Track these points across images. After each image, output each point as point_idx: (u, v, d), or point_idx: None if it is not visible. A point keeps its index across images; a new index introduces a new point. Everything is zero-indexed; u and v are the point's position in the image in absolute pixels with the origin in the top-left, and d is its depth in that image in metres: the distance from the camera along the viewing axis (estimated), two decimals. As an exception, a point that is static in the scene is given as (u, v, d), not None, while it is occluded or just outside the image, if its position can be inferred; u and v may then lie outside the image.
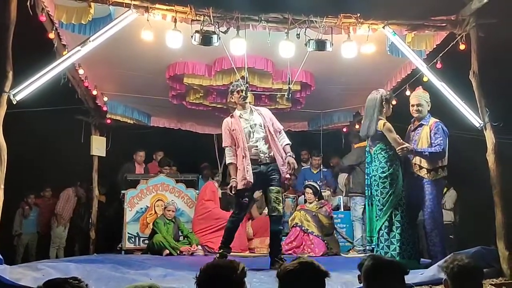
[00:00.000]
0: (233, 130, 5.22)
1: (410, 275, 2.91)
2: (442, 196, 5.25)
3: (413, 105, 5.24)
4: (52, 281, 1.97)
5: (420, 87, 5.39)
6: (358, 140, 7.60)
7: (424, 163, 5.06)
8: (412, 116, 5.32)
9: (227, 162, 5.43)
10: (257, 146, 5.20)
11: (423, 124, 5.16)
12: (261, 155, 5.20)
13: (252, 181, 5.07)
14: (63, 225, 8.70)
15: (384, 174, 4.96)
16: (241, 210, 5.32)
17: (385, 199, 4.93)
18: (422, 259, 5.25)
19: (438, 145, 4.98)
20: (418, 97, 5.25)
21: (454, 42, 5.28)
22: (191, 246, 7.05)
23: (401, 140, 5.03)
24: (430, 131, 5.07)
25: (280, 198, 5.22)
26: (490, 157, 4.74)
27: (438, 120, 5.14)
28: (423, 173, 5.06)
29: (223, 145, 5.35)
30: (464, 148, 6.26)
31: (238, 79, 5.68)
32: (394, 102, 5.45)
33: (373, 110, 5.13)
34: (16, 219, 8.73)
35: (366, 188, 5.35)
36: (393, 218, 4.93)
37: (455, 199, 8.14)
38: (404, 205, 4.96)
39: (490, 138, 4.80)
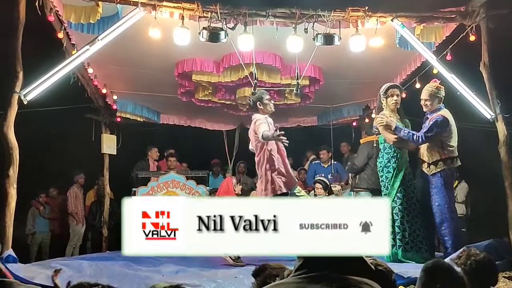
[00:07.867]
0: None
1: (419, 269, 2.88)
2: (451, 189, 5.12)
3: (421, 99, 5.13)
4: (79, 285, 1.99)
5: (435, 79, 5.13)
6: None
7: (424, 157, 5.00)
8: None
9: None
10: None
11: (428, 118, 5.11)
12: None
13: None
14: (81, 222, 8.78)
15: (381, 167, 5.01)
16: None
17: (384, 192, 4.96)
18: (436, 253, 5.21)
19: (422, 133, 4.84)
20: (426, 91, 5.05)
21: (464, 33, 5.23)
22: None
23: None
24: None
25: None
26: (502, 149, 4.71)
27: (441, 114, 4.89)
28: (425, 167, 5.03)
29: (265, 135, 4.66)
30: (475, 140, 6.21)
31: (262, 90, 5.39)
32: (404, 96, 5.41)
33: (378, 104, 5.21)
34: (29, 218, 8.78)
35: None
36: (392, 211, 4.89)
37: (466, 191, 8.05)
38: (404, 197, 4.91)
39: (501, 130, 4.77)
